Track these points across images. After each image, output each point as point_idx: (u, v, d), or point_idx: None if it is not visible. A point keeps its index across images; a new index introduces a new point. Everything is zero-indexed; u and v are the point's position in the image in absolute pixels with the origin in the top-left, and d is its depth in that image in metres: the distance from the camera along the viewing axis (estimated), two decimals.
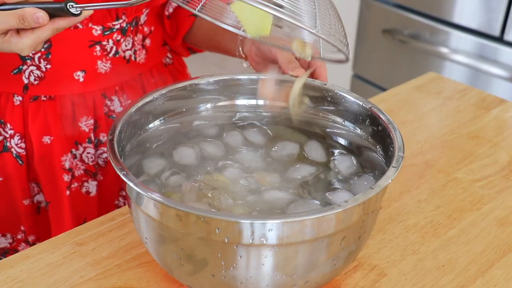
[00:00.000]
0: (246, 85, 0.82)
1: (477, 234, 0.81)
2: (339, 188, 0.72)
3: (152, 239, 0.65)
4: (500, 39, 1.74)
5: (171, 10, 1.02)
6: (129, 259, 0.74)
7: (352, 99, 0.78)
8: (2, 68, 0.90)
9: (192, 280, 0.65)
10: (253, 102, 0.83)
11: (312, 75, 0.84)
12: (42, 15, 0.68)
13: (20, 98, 0.92)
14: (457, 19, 1.81)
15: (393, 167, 0.64)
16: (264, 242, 0.58)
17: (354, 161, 0.76)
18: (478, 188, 0.91)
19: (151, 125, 0.77)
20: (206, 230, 0.58)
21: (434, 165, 0.96)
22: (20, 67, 0.90)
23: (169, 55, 1.08)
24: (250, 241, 0.58)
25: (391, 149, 0.68)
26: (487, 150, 1.00)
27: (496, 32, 1.73)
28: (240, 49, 0.93)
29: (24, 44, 0.70)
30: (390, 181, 0.62)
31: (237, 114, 0.83)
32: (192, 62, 1.22)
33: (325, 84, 0.80)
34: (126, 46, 0.95)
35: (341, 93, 0.79)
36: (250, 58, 0.91)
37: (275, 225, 0.57)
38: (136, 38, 0.96)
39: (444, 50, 1.84)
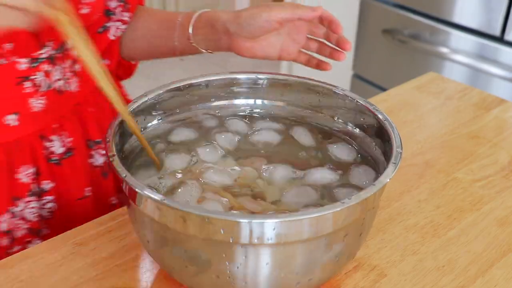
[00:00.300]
0: (243, 84, 0.83)
1: (477, 234, 0.81)
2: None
3: (154, 241, 0.65)
4: (500, 39, 1.74)
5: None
6: (129, 259, 0.74)
7: (351, 98, 0.78)
8: None
9: (195, 281, 0.65)
10: (251, 101, 0.84)
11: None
12: None
13: None
14: (457, 19, 1.81)
15: (392, 163, 0.64)
16: (269, 241, 0.58)
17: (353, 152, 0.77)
18: (478, 188, 0.91)
19: (148, 126, 0.78)
20: (211, 230, 0.58)
21: (434, 165, 0.96)
22: None
23: None
24: (256, 240, 0.58)
25: (390, 147, 0.68)
26: (487, 150, 1.00)
27: (497, 32, 1.73)
28: (198, 47, 0.90)
29: None
30: (390, 177, 0.62)
31: (235, 113, 0.83)
32: (192, 62, 1.22)
33: (325, 84, 0.80)
34: (57, 76, 0.83)
35: (341, 93, 0.79)
36: (236, 48, 0.85)
37: (280, 224, 0.57)
38: (64, 65, 0.85)
39: (444, 50, 1.85)
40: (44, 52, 0.80)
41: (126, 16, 0.95)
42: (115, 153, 0.64)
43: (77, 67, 0.88)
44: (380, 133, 0.73)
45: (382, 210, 0.85)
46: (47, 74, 0.82)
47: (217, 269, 0.61)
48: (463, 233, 0.81)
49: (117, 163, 0.62)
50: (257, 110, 0.84)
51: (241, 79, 0.82)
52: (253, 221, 0.57)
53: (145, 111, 0.76)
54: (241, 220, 0.57)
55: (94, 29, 0.93)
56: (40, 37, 0.79)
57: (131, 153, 0.74)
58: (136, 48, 0.98)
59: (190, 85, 0.80)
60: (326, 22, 0.83)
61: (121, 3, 0.94)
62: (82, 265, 0.73)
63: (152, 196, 0.58)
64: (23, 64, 0.78)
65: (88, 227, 0.79)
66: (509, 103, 1.15)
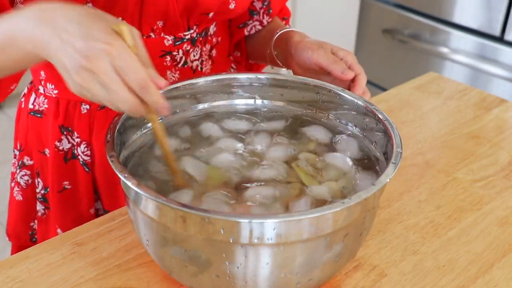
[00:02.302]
0: (243, 84, 0.83)
1: (477, 234, 0.81)
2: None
3: (154, 241, 0.65)
4: (500, 39, 1.74)
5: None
6: (129, 259, 0.74)
7: (351, 99, 0.78)
8: None
9: (194, 281, 0.64)
10: (250, 101, 0.84)
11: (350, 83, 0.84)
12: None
13: (88, 106, 0.91)
14: (457, 19, 1.81)
15: (392, 163, 0.64)
16: (269, 241, 0.58)
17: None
18: (478, 188, 0.91)
19: (147, 126, 0.78)
20: (211, 230, 0.58)
21: (434, 165, 0.96)
22: None
23: (233, 65, 1.07)
24: (256, 240, 0.58)
25: (390, 147, 0.68)
26: (487, 150, 1.00)
27: (497, 32, 1.73)
28: (277, 60, 0.95)
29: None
30: (390, 177, 0.62)
31: (234, 113, 0.83)
32: None
33: (325, 84, 0.80)
34: (194, 56, 0.93)
35: (340, 93, 0.79)
36: (294, 71, 0.91)
37: (280, 224, 0.57)
38: (204, 49, 0.95)
39: (444, 50, 1.85)
40: (188, 34, 0.90)
41: (265, 19, 1.02)
42: (115, 154, 0.64)
43: (214, 52, 0.98)
44: (380, 133, 0.73)
45: (382, 210, 0.85)
46: (186, 53, 0.91)
47: (217, 269, 0.61)
48: (464, 233, 0.81)
49: (116, 164, 0.62)
50: (257, 110, 0.84)
51: (241, 79, 0.82)
52: (253, 221, 0.57)
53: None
54: (241, 220, 0.57)
55: (236, 24, 1.02)
56: (189, 21, 0.89)
57: (127, 155, 0.74)
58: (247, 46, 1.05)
59: (190, 85, 0.80)
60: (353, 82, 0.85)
61: (265, 7, 1.01)
62: (82, 265, 0.73)
63: (152, 196, 0.58)
64: (168, 40, 0.89)
65: (88, 227, 0.79)
66: (509, 103, 1.15)
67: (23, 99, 0.98)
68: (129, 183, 0.60)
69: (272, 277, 0.62)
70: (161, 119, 0.78)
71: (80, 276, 0.71)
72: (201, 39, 0.94)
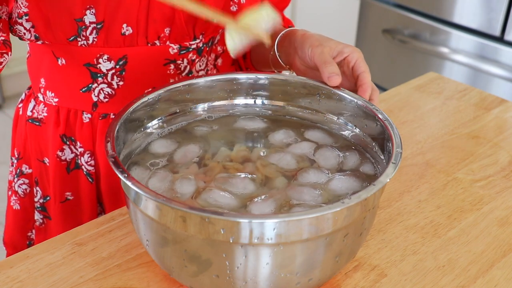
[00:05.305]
0: (243, 84, 0.83)
1: (477, 234, 0.81)
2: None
3: (154, 241, 0.65)
4: (500, 39, 1.74)
5: None
6: (129, 259, 0.74)
7: (351, 99, 0.78)
8: (70, 86, 0.89)
9: (194, 281, 0.64)
10: (250, 101, 0.84)
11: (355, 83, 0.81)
12: None
13: (89, 115, 0.90)
14: (457, 19, 1.81)
15: (392, 163, 0.64)
16: (269, 241, 0.58)
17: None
18: (478, 188, 0.91)
19: (148, 125, 0.78)
20: (211, 230, 0.58)
21: (434, 165, 0.96)
22: (90, 85, 0.88)
23: None
24: (256, 240, 0.58)
25: (390, 147, 0.68)
26: (487, 150, 1.00)
27: (497, 32, 1.73)
28: (280, 60, 0.91)
29: None
30: (390, 177, 0.62)
31: (232, 112, 0.83)
32: None
33: (325, 84, 0.80)
34: (200, 66, 0.93)
35: (340, 93, 0.79)
36: (295, 68, 0.88)
37: (280, 224, 0.57)
38: (209, 58, 0.95)
39: (444, 50, 1.85)
40: (195, 44, 0.90)
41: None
42: (115, 153, 0.64)
43: (219, 61, 0.98)
44: (380, 133, 0.73)
45: (382, 210, 0.85)
46: (191, 62, 0.91)
47: (217, 269, 0.61)
48: (464, 233, 0.81)
49: (116, 164, 0.62)
50: (257, 110, 0.84)
51: (241, 79, 0.82)
52: (253, 221, 0.57)
53: (145, 111, 0.76)
54: (241, 220, 0.57)
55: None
56: (195, 29, 0.88)
57: (127, 155, 0.74)
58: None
59: (190, 85, 0.80)
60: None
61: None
62: (82, 265, 0.73)
63: (152, 196, 0.58)
64: (173, 49, 0.89)
65: (87, 227, 0.79)
66: (509, 103, 1.15)
67: (20, 105, 0.97)
68: (129, 183, 0.60)
69: (272, 277, 0.62)
70: (160, 119, 0.79)
71: (80, 276, 0.71)
72: (207, 49, 0.93)
